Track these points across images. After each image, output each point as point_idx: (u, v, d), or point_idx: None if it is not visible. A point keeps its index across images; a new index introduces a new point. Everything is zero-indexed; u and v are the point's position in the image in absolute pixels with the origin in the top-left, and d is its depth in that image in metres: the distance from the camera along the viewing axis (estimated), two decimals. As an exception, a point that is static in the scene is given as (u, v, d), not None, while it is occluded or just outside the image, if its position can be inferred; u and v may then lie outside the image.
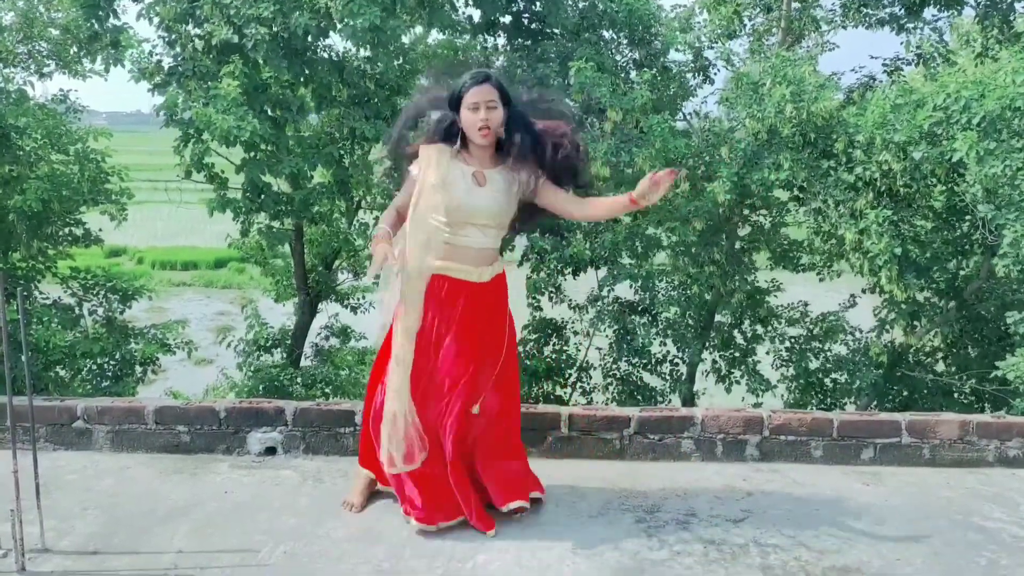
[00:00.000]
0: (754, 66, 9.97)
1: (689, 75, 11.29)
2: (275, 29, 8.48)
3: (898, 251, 8.38)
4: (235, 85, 8.35)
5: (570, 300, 10.88)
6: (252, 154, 8.99)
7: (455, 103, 2.94)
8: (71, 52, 9.52)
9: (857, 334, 11.03)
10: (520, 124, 2.96)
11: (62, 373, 9.10)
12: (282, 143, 9.08)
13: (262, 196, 9.46)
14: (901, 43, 11.67)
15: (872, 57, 11.98)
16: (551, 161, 2.99)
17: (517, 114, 2.97)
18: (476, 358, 2.97)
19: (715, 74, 11.24)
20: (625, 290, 10.60)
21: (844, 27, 12.35)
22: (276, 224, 10.11)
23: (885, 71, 11.61)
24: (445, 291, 2.94)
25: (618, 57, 10.82)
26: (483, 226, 2.96)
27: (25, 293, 9.24)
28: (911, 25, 11.51)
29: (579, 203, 3.08)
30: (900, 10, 11.43)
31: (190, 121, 8.64)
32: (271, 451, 3.61)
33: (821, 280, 10.98)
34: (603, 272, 10.46)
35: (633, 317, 10.58)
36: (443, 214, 2.89)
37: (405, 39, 9.73)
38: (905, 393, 10.48)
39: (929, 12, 11.46)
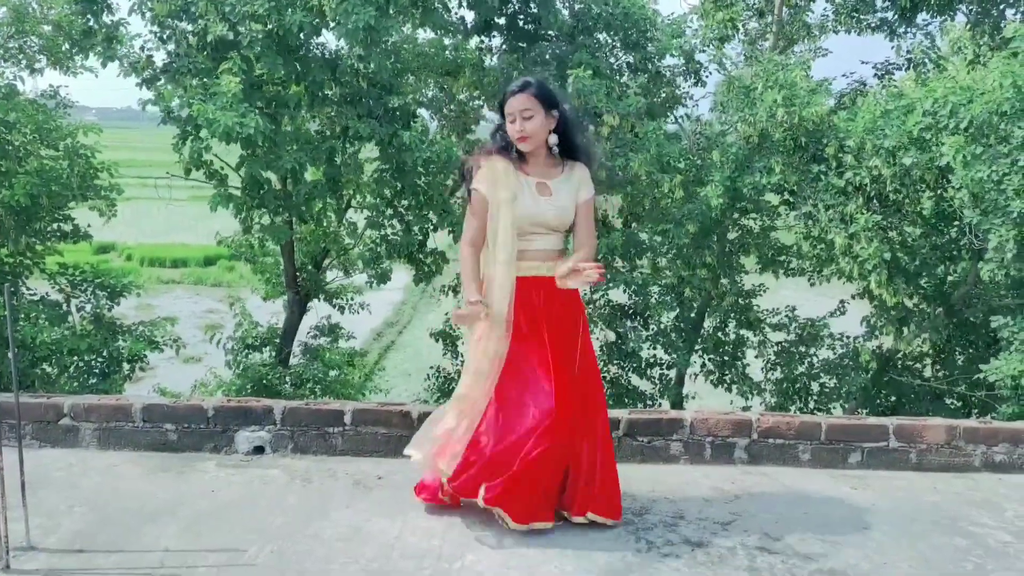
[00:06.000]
0: (746, 70, 10.01)
1: (680, 78, 11.30)
2: (269, 26, 8.45)
3: (887, 256, 8.43)
4: (236, 82, 8.30)
5: None
6: (250, 151, 8.94)
7: (502, 115, 3.01)
8: (63, 48, 9.46)
9: (845, 339, 11.07)
10: (575, 126, 3.01)
11: (49, 370, 9.04)
12: (280, 139, 9.05)
13: (262, 192, 9.42)
14: (892, 47, 11.74)
15: (863, 63, 12.04)
16: None
17: (571, 116, 3.01)
18: (555, 354, 2.98)
19: (707, 76, 11.27)
20: (617, 294, 10.60)
21: (836, 32, 12.41)
22: (278, 219, 10.06)
23: (876, 76, 11.67)
24: (523, 290, 2.99)
25: (612, 60, 10.84)
26: (550, 231, 3.02)
27: (12, 289, 9.17)
28: (902, 30, 11.57)
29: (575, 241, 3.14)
30: (894, 16, 11.48)
31: (188, 118, 8.55)
32: (259, 450, 3.60)
33: (812, 285, 11.03)
34: None
35: (624, 321, 10.59)
36: (513, 226, 2.95)
37: (395, 37, 9.70)
38: (893, 398, 10.54)
39: (920, 18, 11.52)
